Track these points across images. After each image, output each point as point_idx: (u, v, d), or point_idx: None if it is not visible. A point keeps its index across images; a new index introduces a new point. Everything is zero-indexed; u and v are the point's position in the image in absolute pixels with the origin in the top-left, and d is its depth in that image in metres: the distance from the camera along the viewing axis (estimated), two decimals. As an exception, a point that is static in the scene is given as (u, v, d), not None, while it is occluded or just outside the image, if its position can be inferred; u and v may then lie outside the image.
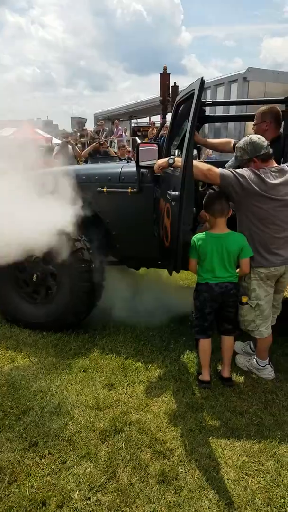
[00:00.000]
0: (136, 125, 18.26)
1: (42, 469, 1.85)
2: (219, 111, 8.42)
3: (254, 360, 2.59)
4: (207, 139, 3.52)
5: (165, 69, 3.02)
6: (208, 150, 6.49)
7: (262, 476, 1.82)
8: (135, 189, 2.96)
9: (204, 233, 2.40)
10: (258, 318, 2.44)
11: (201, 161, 3.59)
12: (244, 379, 2.55)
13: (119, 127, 12.61)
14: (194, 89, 2.30)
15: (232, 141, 3.27)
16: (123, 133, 12.47)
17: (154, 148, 2.84)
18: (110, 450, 1.94)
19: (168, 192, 2.43)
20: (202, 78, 2.22)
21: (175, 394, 2.38)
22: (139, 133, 14.22)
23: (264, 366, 2.55)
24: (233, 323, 2.50)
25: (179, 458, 1.91)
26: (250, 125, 3.09)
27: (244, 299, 2.44)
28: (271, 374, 2.55)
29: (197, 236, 2.40)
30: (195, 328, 2.48)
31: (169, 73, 3.02)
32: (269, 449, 1.97)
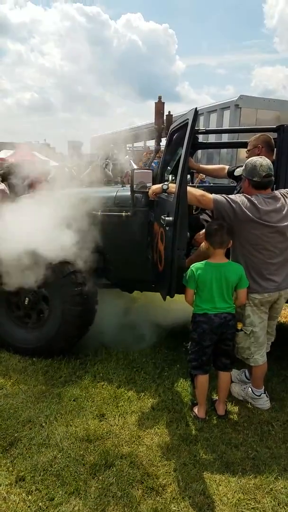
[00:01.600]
0: (131, 149, 18.54)
1: (29, 507, 1.76)
2: (212, 137, 8.61)
3: (249, 389, 2.53)
4: (201, 165, 3.57)
5: (160, 98, 3.10)
6: (201, 174, 6.58)
7: (258, 514, 1.74)
8: (129, 213, 2.97)
9: (202, 262, 2.33)
10: (253, 345, 2.40)
11: (194, 186, 3.64)
12: (239, 409, 2.48)
13: (115, 151, 12.79)
14: (188, 119, 2.33)
15: (226, 167, 3.32)
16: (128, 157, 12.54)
17: (148, 172, 2.86)
18: (100, 486, 1.86)
19: (162, 217, 2.43)
20: (196, 108, 2.27)
21: (168, 425, 2.30)
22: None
23: (260, 395, 2.49)
24: (231, 358, 2.39)
25: (172, 495, 1.83)
26: (241, 150, 3.14)
27: (239, 326, 2.40)
28: (266, 403, 2.49)
29: (196, 266, 2.32)
30: (192, 362, 2.36)
31: (163, 102, 3.10)
32: (265, 485, 1.89)
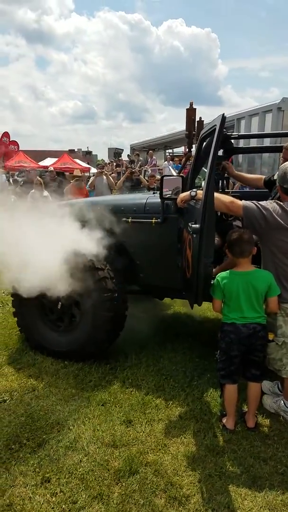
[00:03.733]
0: (170, 154, 18.63)
1: (53, 508, 1.80)
2: (254, 141, 8.42)
3: (282, 402, 2.43)
4: (240, 173, 3.52)
5: (191, 104, 3.10)
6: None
7: (285, 535, 1.66)
8: (159, 220, 2.98)
9: (228, 271, 2.30)
10: (285, 357, 2.31)
11: (231, 191, 3.59)
12: (270, 422, 2.39)
13: (153, 157, 12.91)
14: (216, 125, 2.31)
15: (263, 177, 3.27)
16: (167, 162, 12.58)
17: (178, 179, 2.85)
18: (123, 493, 1.86)
19: (189, 224, 2.41)
20: (223, 114, 2.24)
21: (196, 435, 2.26)
22: (172, 162, 14.49)
23: (293, 408, 2.38)
24: (261, 369, 2.31)
25: (195, 506, 1.79)
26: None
27: (270, 336, 2.32)
28: (300, 418, 2.37)
29: (221, 275, 2.29)
30: (220, 371, 2.32)
31: (195, 108, 3.09)
32: (294, 503, 1.80)
